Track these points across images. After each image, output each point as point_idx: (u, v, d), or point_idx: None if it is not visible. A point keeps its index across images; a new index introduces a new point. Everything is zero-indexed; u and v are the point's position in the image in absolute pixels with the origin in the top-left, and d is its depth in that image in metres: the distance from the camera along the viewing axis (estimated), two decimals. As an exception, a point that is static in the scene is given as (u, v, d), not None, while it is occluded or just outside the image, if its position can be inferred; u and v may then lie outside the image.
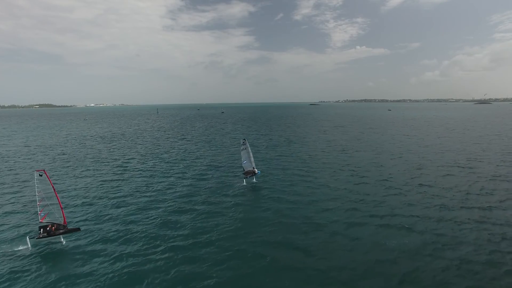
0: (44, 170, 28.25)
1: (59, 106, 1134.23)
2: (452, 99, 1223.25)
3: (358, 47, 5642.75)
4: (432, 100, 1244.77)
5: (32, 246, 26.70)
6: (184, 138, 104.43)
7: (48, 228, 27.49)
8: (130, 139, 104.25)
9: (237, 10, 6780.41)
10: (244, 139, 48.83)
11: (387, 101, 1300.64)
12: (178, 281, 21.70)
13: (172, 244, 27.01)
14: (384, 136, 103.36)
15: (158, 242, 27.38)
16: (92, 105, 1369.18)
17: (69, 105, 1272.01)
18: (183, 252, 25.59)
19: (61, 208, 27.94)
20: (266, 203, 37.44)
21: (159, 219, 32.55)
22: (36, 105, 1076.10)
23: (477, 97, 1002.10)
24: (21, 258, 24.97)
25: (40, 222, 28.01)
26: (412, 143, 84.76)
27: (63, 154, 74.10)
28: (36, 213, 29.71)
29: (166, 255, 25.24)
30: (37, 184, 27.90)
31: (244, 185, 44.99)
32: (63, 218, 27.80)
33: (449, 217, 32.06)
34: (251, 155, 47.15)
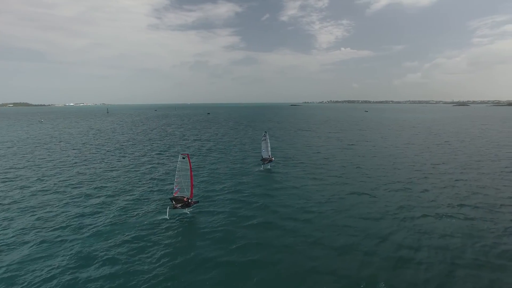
0: (187, 154, 34.76)
1: (35, 105, 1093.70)
2: (432, 100, 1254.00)
3: (343, 48, 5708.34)
4: (414, 102, 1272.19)
5: (169, 214, 33.34)
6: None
7: (179, 200, 33.85)
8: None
9: (224, 10, 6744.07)
10: (265, 132, 57.88)
11: (369, 102, 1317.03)
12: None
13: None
14: (321, 139, 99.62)
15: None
16: (71, 104, 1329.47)
17: (47, 104, 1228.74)
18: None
19: (192, 185, 34.18)
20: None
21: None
22: (10, 103, 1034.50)
23: (456, 99, 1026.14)
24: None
25: (173, 195, 34.63)
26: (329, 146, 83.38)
27: None
28: (171, 188, 39.61)
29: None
30: (179, 165, 34.09)
31: (261, 170, 54.11)
32: (190, 193, 34.05)
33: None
34: (269, 145, 55.95)
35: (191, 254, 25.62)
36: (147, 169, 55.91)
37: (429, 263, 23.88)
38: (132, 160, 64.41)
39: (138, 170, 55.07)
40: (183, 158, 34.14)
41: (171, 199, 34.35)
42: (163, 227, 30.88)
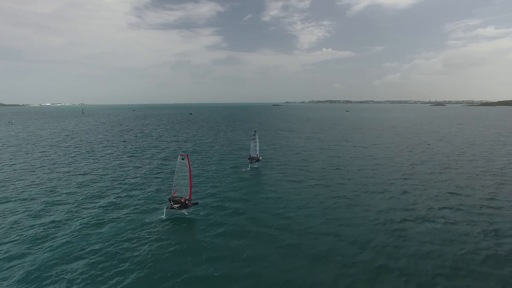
0: (187, 155, 34.13)
1: (8, 105, 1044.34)
2: (411, 100, 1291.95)
3: (324, 49, 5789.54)
4: (393, 102, 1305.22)
5: (166, 214, 32.85)
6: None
7: (177, 201, 33.15)
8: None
9: (206, 9, 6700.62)
10: (255, 131, 57.91)
11: (350, 102, 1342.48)
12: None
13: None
14: (301, 139, 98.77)
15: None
16: (47, 104, 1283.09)
17: (21, 104, 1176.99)
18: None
19: (191, 186, 33.61)
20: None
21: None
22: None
23: (433, 99, 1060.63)
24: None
25: (172, 196, 34.00)
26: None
27: None
28: (169, 188, 39.28)
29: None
30: (178, 166, 33.82)
31: (249, 170, 54.42)
32: (189, 194, 33.42)
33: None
34: (257, 145, 56.27)
35: (150, 270, 22.89)
36: (118, 174, 52.27)
37: (409, 274, 22.25)
38: (103, 163, 60.50)
39: (107, 175, 51.45)
40: (183, 159, 33.82)
41: (169, 199, 33.86)
42: (125, 238, 27.95)
